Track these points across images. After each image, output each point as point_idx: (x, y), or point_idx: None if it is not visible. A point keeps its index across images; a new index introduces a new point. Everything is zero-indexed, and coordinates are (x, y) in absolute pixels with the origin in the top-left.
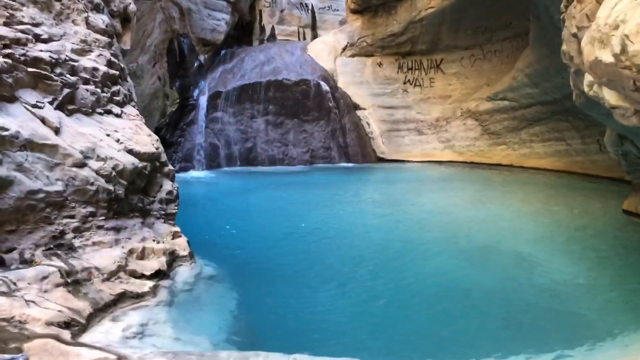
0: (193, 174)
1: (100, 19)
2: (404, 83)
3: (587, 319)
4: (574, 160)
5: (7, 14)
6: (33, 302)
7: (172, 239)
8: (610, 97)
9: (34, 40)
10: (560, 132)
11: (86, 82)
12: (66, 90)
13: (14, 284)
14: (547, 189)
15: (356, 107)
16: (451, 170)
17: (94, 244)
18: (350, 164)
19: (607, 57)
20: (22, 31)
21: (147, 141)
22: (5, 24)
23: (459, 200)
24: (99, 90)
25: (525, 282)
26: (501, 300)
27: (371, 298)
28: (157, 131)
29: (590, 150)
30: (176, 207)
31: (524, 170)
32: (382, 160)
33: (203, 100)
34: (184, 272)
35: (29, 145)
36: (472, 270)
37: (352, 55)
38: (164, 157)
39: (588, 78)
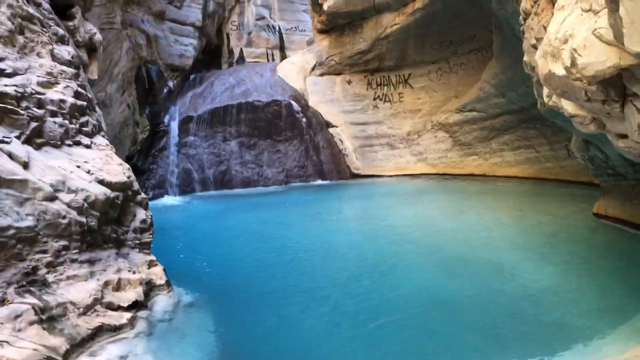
0: (167, 200)
1: (66, 51)
2: (374, 99)
3: (565, 324)
4: (544, 167)
5: None
6: (6, 342)
7: (148, 268)
8: (567, 106)
9: None
10: (529, 139)
11: (54, 114)
12: (33, 124)
13: None
14: (520, 196)
15: (328, 124)
16: (425, 182)
17: (68, 278)
18: (325, 182)
19: (559, 70)
20: None
21: (119, 170)
22: None
23: (434, 212)
24: (67, 122)
25: (503, 291)
26: (481, 310)
27: (352, 317)
28: (128, 159)
29: (559, 156)
30: (151, 236)
31: (497, 179)
32: (357, 176)
33: (174, 126)
34: (161, 302)
35: None
36: (451, 282)
37: (322, 74)
38: (136, 186)
39: (546, 90)
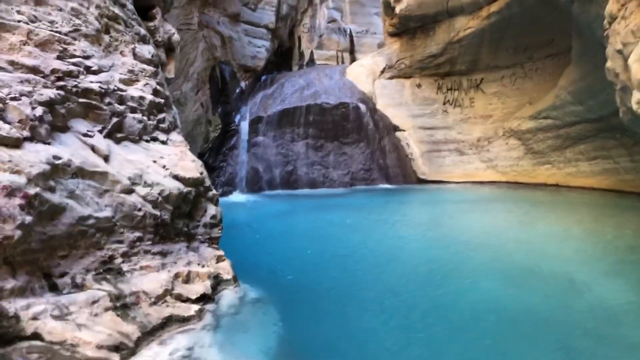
0: (235, 197)
1: (147, 50)
2: (444, 103)
3: None
4: (623, 179)
5: (61, 48)
6: (84, 325)
7: (217, 262)
8: None
9: (84, 72)
10: (608, 150)
11: (133, 110)
12: (115, 119)
13: (66, 307)
14: (596, 208)
15: (396, 128)
16: (494, 190)
17: (141, 268)
18: (390, 186)
19: None
20: (74, 64)
21: (192, 167)
22: (59, 58)
23: (503, 222)
24: (145, 118)
25: (577, 306)
26: (551, 325)
27: (418, 323)
28: (200, 156)
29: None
30: (220, 231)
31: (571, 189)
32: (423, 181)
33: (244, 125)
34: (228, 296)
35: (80, 172)
36: (521, 294)
37: (391, 77)
38: (208, 182)
39: (637, 95)
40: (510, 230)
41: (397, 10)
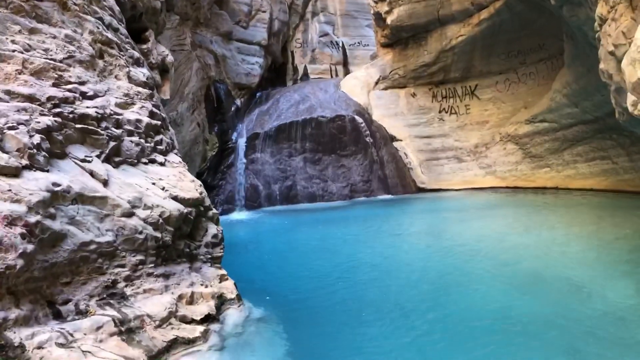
0: (235, 215)
1: (141, 72)
2: (440, 112)
3: None
4: (622, 179)
5: (56, 75)
6: (89, 352)
7: (220, 282)
8: None
9: (80, 98)
10: (605, 150)
11: (130, 133)
12: (112, 143)
13: (71, 335)
14: (596, 209)
15: (393, 138)
16: (495, 196)
17: (144, 291)
18: (390, 196)
19: None
20: (70, 90)
21: (191, 187)
22: (55, 85)
23: (504, 227)
24: (142, 140)
25: (583, 309)
26: (558, 329)
27: (425, 333)
28: (199, 176)
29: (638, 167)
30: (222, 250)
31: (570, 191)
32: (422, 190)
33: (241, 143)
34: (232, 315)
35: (80, 198)
36: (527, 299)
37: (385, 88)
38: (207, 202)
39: (632, 98)
40: (513, 235)
41: (389, 21)
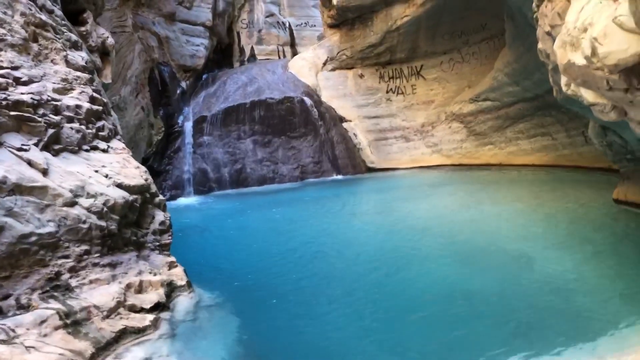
0: (184, 200)
1: (79, 56)
2: (387, 92)
3: (589, 313)
4: (561, 154)
5: None
6: (33, 347)
7: (169, 269)
8: (587, 95)
9: (14, 84)
10: (545, 127)
11: (70, 120)
12: (51, 131)
13: (13, 330)
14: (538, 184)
15: (342, 119)
16: (441, 174)
17: (90, 282)
18: (341, 177)
19: (579, 59)
20: (2, 75)
21: (136, 173)
22: None
23: (451, 204)
24: (83, 127)
25: (525, 281)
26: (502, 301)
27: (374, 311)
28: (144, 161)
29: (576, 143)
30: (170, 237)
31: (513, 168)
32: (372, 170)
33: (188, 126)
34: (183, 302)
35: (18, 189)
36: (472, 273)
37: (333, 69)
38: (153, 188)
39: (564, 79)
40: (458, 212)
41: (335, 1)
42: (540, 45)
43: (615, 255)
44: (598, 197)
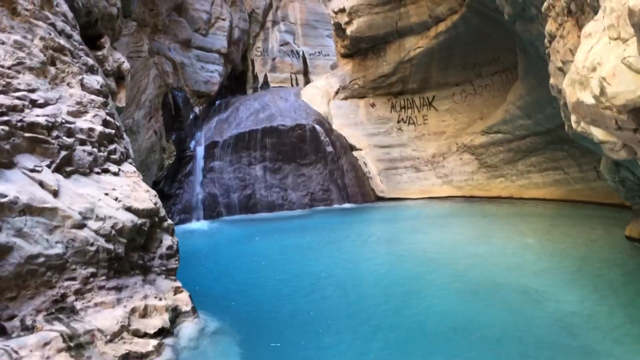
0: (193, 225)
1: (95, 80)
2: (398, 122)
3: (596, 351)
4: (572, 189)
5: (4, 83)
6: None
7: (174, 294)
8: (597, 133)
9: (30, 106)
10: (557, 161)
11: (83, 142)
12: (63, 153)
13: (16, 352)
14: (549, 219)
15: (352, 148)
16: (451, 205)
17: (95, 305)
18: (350, 205)
19: (587, 98)
20: (19, 98)
21: (146, 197)
22: (2, 92)
23: (461, 236)
24: (95, 150)
25: (535, 317)
26: (509, 336)
27: (381, 345)
28: (155, 184)
29: (588, 178)
30: (177, 262)
31: (524, 201)
32: (381, 199)
33: (200, 151)
34: (187, 328)
35: (28, 209)
36: (481, 307)
37: (345, 98)
38: (162, 212)
39: (573, 117)
40: (468, 245)
41: (348, 32)
42: (552, 80)
43: (627, 293)
44: (610, 234)
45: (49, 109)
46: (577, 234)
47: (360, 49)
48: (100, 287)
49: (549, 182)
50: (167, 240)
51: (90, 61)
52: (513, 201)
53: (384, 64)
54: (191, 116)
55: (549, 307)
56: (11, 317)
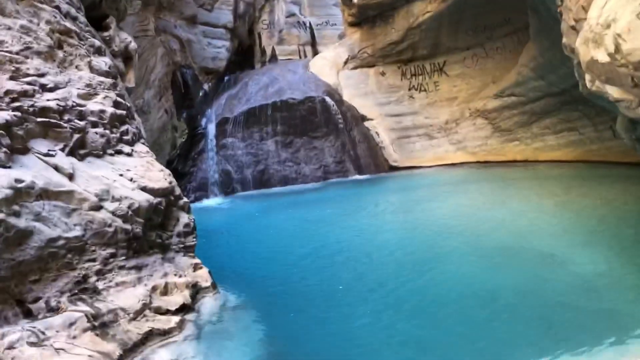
0: (208, 202)
1: (103, 62)
2: (409, 89)
3: (620, 312)
4: (588, 149)
5: (13, 68)
6: (63, 349)
7: (194, 271)
8: (612, 91)
9: (40, 91)
10: (572, 122)
11: (95, 125)
12: (76, 136)
13: (43, 333)
14: (565, 180)
15: (364, 118)
16: (466, 171)
17: (117, 284)
18: (363, 176)
19: (602, 56)
20: (29, 83)
21: (160, 177)
22: (12, 78)
23: (477, 201)
24: (108, 131)
25: (553, 280)
26: (531, 300)
27: (402, 313)
28: (169, 163)
29: (604, 137)
30: (194, 239)
31: (540, 164)
32: (395, 168)
33: (211, 128)
34: (208, 304)
35: (45, 194)
36: (499, 272)
37: (355, 68)
38: (177, 191)
39: (587, 76)
40: (484, 210)
41: None
42: (564, 40)
43: None
44: (628, 193)
45: (59, 93)
46: (594, 195)
47: (368, 16)
48: (121, 267)
49: (564, 143)
50: (184, 218)
51: (97, 43)
52: (528, 164)
53: (392, 31)
54: (201, 93)
55: (569, 269)
56: (36, 300)
